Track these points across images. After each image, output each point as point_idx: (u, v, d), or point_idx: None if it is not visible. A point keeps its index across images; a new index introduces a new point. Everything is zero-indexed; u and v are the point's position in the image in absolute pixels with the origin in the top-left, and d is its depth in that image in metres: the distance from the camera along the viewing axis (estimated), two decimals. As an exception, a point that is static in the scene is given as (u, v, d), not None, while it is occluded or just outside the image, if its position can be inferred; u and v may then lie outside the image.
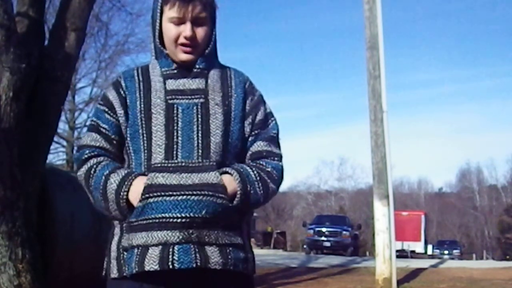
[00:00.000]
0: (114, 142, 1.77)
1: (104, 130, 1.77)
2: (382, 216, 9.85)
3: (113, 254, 1.74)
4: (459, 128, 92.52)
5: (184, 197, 1.62)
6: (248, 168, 1.74)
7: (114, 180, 1.68)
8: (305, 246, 26.10)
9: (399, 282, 9.75)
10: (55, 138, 16.47)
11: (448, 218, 56.22)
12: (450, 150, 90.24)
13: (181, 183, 1.63)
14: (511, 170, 57.88)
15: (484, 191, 59.50)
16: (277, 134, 1.86)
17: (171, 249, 1.62)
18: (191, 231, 1.62)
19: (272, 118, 1.87)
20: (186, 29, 1.75)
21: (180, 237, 1.61)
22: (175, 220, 1.62)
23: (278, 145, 1.85)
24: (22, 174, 5.48)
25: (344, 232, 24.04)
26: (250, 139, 1.81)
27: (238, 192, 1.67)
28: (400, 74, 72.07)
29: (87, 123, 1.79)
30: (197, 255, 1.62)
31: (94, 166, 1.73)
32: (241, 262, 1.72)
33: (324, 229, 24.02)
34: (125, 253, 1.69)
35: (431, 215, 48.69)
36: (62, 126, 22.04)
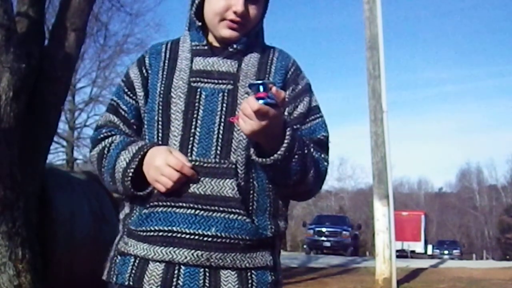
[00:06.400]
0: (134, 126, 1.53)
1: (123, 113, 1.54)
2: (382, 216, 9.86)
3: (111, 253, 1.52)
4: (459, 128, 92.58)
5: (193, 210, 1.39)
6: (303, 138, 1.44)
7: (124, 157, 1.44)
8: (305, 246, 26.10)
9: (399, 282, 9.76)
10: (55, 138, 16.49)
11: (448, 218, 56.18)
12: (450, 150, 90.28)
13: (191, 190, 1.40)
14: (511, 170, 57.90)
15: (484, 191, 59.38)
16: (327, 138, 1.52)
17: (176, 271, 1.38)
18: (200, 252, 1.37)
19: (319, 114, 1.53)
20: (238, 4, 1.46)
21: (188, 257, 1.37)
22: (182, 235, 1.38)
23: (327, 151, 1.52)
24: (22, 174, 5.47)
25: (344, 232, 24.05)
26: None
27: (284, 144, 1.34)
28: (400, 74, 72.08)
29: (109, 102, 1.60)
30: (206, 281, 1.37)
31: (108, 145, 1.50)
32: (267, 286, 1.43)
33: (324, 229, 24.02)
34: (119, 257, 1.47)
35: (431, 215, 48.64)
36: (62, 126, 22.11)
